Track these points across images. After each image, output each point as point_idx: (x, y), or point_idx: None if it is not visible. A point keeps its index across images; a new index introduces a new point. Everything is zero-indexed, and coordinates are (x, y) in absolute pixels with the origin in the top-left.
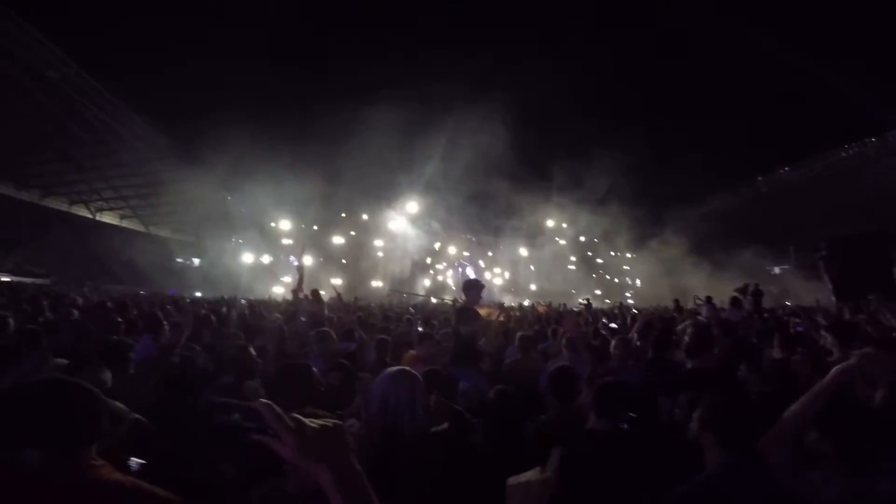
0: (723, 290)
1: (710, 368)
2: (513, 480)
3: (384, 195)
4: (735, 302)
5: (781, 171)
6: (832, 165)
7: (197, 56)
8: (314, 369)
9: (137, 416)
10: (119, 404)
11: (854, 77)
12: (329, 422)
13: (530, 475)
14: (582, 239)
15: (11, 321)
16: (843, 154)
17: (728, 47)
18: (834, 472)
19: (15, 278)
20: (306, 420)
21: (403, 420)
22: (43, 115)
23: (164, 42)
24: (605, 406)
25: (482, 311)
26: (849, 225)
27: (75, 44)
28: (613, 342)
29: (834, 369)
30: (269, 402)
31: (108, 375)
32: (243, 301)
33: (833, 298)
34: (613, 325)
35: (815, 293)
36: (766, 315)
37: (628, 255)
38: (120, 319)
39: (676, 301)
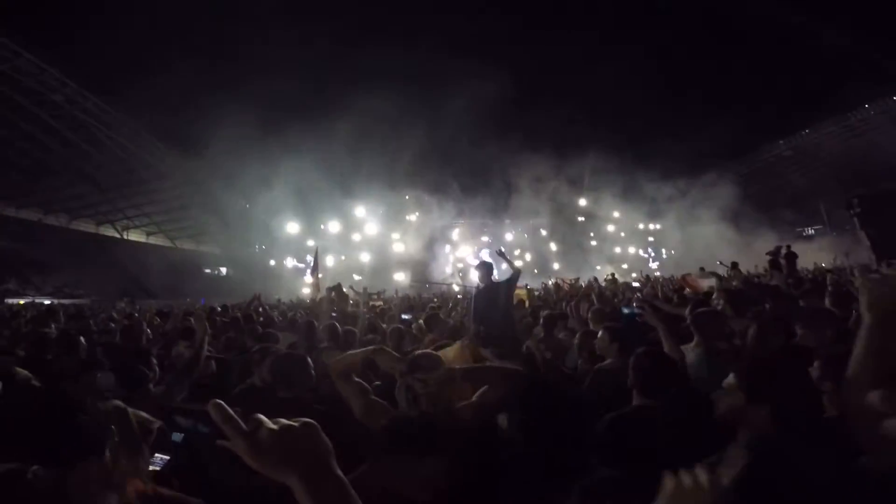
0: (753, 256)
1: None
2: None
3: (399, 188)
4: (775, 265)
5: (803, 132)
6: (854, 126)
7: (202, 63)
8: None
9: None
10: (143, 413)
11: (870, 35)
12: (297, 422)
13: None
14: (605, 213)
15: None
16: (866, 114)
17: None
18: None
19: (56, 300)
20: (267, 421)
21: None
22: (56, 139)
23: (165, 50)
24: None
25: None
26: (877, 184)
27: (73, 63)
28: None
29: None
30: (219, 402)
31: (111, 380)
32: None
33: (872, 255)
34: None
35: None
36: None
37: (652, 227)
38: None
39: (702, 269)
